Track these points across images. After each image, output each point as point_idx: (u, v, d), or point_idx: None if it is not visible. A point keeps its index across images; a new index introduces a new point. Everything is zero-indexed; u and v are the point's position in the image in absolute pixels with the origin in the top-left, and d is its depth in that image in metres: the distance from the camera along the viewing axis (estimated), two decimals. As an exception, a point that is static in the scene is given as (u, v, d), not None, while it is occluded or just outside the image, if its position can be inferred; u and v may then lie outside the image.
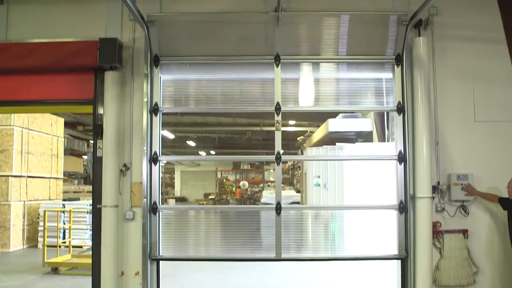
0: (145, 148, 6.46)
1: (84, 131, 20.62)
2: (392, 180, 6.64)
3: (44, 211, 11.77)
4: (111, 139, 6.46)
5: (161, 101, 6.68)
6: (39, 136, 15.03)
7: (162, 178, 7.42)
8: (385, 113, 11.54)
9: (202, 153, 25.71)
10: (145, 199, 6.42)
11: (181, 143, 22.25)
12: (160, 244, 6.57)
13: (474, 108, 6.62)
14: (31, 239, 14.30)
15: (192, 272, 10.26)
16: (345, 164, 11.80)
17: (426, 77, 6.42)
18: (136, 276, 6.46)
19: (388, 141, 11.40)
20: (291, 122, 19.15)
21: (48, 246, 10.82)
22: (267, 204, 16.81)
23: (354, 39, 6.52)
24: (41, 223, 12.99)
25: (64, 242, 12.15)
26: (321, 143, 15.42)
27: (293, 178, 30.60)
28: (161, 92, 6.70)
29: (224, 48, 6.65)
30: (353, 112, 13.98)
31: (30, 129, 14.48)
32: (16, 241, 13.72)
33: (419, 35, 6.47)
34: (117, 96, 6.53)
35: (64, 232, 13.24)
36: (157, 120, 6.62)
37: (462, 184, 6.43)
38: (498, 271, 6.52)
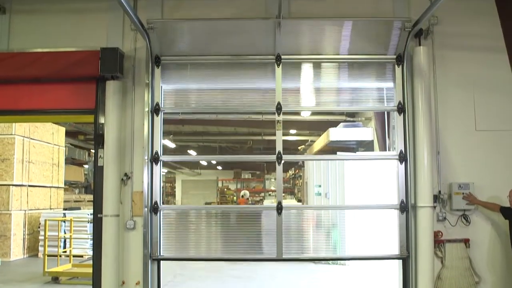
0: (146, 157, 6.47)
1: (85, 140, 20.59)
2: (393, 188, 6.64)
3: (45, 220, 11.72)
4: (112, 149, 6.48)
5: (162, 102, 6.69)
6: (40, 145, 15.03)
7: (163, 187, 7.42)
8: (386, 121, 11.57)
9: (203, 162, 25.56)
10: (146, 208, 6.41)
11: (182, 153, 22.24)
12: (161, 244, 6.56)
13: (475, 117, 6.64)
14: (32, 249, 14.24)
15: (193, 280, 10.25)
16: (346, 173, 11.80)
17: (427, 85, 6.44)
18: (137, 286, 6.44)
19: (389, 150, 11.41)
20: (292, 131, 19.11)
21: (48, 255, 10.77)
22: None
23: (355, 40, 6.57)
24: (42, 232, 12.92)
25: (65, 252, 12.10)
26: (322, 152, 15.43)
27: (294, 187, 30.56)
28: (162, 92, 6.73)
29: (224, 51, 6.70)
30: (354, 112, 14.01)
31: (31, 138, 14.48)
32: (17, 250, 13.66)
33: (420, 45, 6.51)
34: (118, 106, 6.56)
35: (64, 242, 13.19)
36: (158, 120, 6.64)
37: (463, 193, 6.43)
38: (500, 281, 6.48)
